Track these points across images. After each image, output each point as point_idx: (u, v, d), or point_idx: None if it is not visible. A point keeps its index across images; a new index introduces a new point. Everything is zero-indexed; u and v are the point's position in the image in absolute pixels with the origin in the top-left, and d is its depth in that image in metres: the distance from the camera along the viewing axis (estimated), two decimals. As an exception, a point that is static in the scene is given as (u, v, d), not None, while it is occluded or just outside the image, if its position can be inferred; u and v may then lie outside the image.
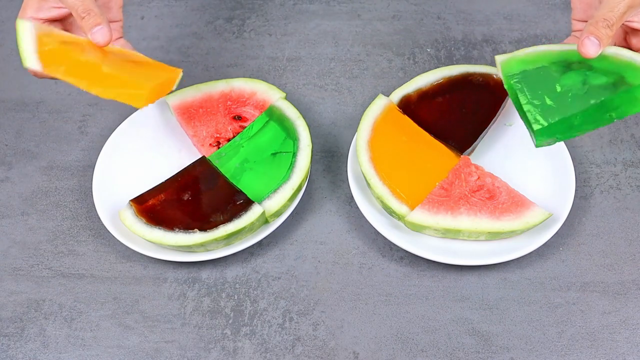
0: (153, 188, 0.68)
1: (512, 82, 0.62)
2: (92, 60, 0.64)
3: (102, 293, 0.67)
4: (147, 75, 0.64)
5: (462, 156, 0.69)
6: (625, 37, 0.64)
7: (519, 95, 0.62)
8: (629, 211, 0.70)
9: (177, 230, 0.64)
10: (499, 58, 0.65)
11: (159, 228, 0.65)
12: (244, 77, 0.83)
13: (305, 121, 0.72)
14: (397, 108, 0.72)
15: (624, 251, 0.68)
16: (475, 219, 0.64)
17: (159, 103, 0.76)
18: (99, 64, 0.63)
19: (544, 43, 0.85)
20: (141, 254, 0.69)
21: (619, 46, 0.62)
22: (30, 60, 0.62)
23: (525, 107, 0.61)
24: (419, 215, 0.64)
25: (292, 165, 0.69)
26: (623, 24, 0.61)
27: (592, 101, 0.58)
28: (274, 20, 0.90)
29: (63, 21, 0.67)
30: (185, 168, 0.70)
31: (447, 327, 0.64)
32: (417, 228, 0.65)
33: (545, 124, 0.59)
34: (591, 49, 0.59)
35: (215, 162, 0.71)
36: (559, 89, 0.60)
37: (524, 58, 0.64)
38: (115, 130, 0.74)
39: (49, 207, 0.74)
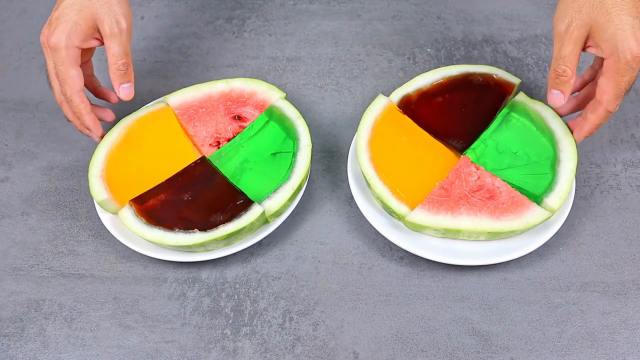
0: (153, 188, 0.68)
1: (513, 110, 0.71)
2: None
3: (102, 293, 0.67)
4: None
5: (462, 156, 0.69)
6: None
7: (503, 122, 0.71)
8: (629, 211, 0.70)
9: (177, 230, 0.64)
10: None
11: (159, 228, 0.65)
12: (244, 77, 0.83)
13: (305, 121, 0.72)
14: (397, 108, 0.72)
15: (624, 251, 0.68)
16: (475, 219, 0.64)
17: (159, 103, 0.76)
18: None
19: (544, 43, 0.85)
20: (141, 254, 0.69)
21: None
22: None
23: (484, 134, 0.70)
24: (419, 215, 0.64)
25: (292, 165, 0.69)
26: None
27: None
28: (274, 20, 0.90)
29: (88, 51, 0.70)
30: (185, 168, 0.70)
31: (447, 327, 0.64)
32: (417, 228, 0.65)
33: (472, 157, 0.69)
34: (557, 101, 0.63)
35: (215, 162, 0.71)
36: (509, 151, 0.69)
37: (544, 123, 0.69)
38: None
39: (49, 207, 0.74)
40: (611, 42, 0.58)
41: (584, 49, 0.61)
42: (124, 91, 0.68)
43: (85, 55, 0.69)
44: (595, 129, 0.64)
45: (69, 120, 0.71)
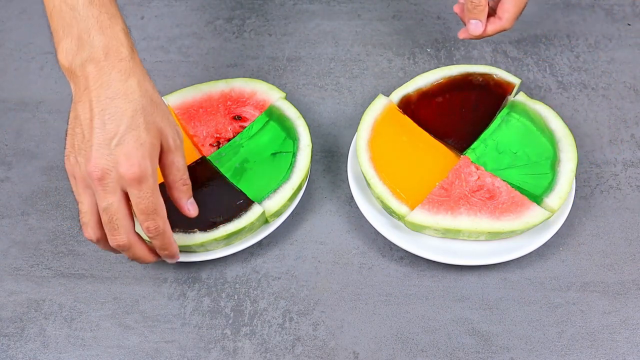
0: None
1: (514, 111, 0.72)
2: None
3: (102, 293, 0.67)
4: None
5: (462, 156, 0.69)
6: None
7: (503, 122, 0.71)
8: (629, 211, 0.70)
9: (177, 230, 0.64)
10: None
11: None
12: (244, 77, 0.83)
13: (305, 121, 0.72)
14: (397, 108, 0.72)
15: (624, 251, 0.68)
16: (475, 219, 0.64)
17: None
18: None
19: (543, 43, 0.85)
20: (141, 254, 0.69)
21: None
22: None
23: (484, 134, 0.70)
24: (419, 215, 0.64)
25: (292, 165, 0.69)
26: None
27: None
28: (274, 20, 0.90)
29: None
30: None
31: (447, 327, 0.64)
32: (417, 228, 0.65)
33: (472, 157, 0.69)
34: (477, 29, 0.69)
35: (215, 162, 0.71)
36: (510, 152, 0.69)
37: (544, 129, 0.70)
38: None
39: (49, 207, 0.74)
40: None
41: None
42: (193, 207, 0.60)
43: None
44: (481, 37, 0.71)
45: (140, 260, 0.60)
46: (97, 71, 0.54)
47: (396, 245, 0.67)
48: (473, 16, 0.68)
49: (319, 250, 0.69)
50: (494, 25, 0.69)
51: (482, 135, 0.70)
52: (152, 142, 0.54)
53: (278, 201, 0.66)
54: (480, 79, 0.73)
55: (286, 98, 0.74)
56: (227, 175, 0.69)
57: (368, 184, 0.67)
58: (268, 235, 0.68)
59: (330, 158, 0.76)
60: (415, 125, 0.71)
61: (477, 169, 0.68)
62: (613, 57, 0.83)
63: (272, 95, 0.74)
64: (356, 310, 0.65)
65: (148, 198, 0.54)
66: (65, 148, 0.57)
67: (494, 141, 0.70)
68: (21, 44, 0.90)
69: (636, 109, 0.78)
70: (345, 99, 0.81)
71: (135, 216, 0.57)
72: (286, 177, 0.68)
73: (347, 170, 0.71)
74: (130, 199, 0.55)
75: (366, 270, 0.68)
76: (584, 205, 0.71)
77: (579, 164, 0.73)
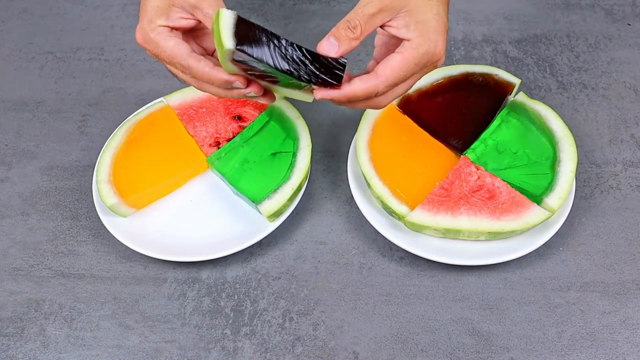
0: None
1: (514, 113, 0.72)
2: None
3: (102, 293, 0.67)
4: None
5: (462, 156, 0.69)
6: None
7: (503, 122, 0.71)
8: (629, 211, 0.70)
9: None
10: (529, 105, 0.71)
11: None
12: (244, 77, 0.83)
13: (305, 121, 0.72)
14: (397, 108, 0.72)
15: (624, 251, 0.68)
16: (475, 219, 0.64)
17: (159, 103, 0.76)
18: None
19: (543, 43, 0.85)
20: (141, 254, 0.69)
21: (387, 56, 0.56)
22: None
23: (484, 134, 0.71)
24: (419, 215, 0.64)
25: (292, 165, 0.69)
26: (386, 31, 0.56)
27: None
28: (274, 20, 0.90)
29: (191, 32, 0.62)
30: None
31: (447, 327, 0.64)
32: (417, 228, 0.65)
33: (472, 157, 0.69)
34: (328, 49, 0.54)
35: (215, 163, 0.71)
36: (509, 151, 0.70)
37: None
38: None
39: (49, 207, 0.74)
40: (424, 25, 0.54)
41: (382, 26, 0.55)
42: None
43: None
44: (346, 100, 0.55)
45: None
46: None
47: (396, 245, 0.67)
48: (338, 36, 0.54)
49: (319, 250, 0.69)
50: (365, 82, 0.54)
51: (482, 135, 0.70)
52: (145, 8, 0.59)
53: (278, 201, 0.66)
54: (480, 79, 0.73)
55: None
56: (227, 176, 0.69)
57: (368, 184, 0.67)
58: (268, 235, 0.68)
59: (330, 158, 0.76)
60: (415, 125, 0.71)
61: (477, 169, 0.68)
62: (613, 57, 0.83)
63: (272, 95, 0.74)
64: (356, 310, 0.65)
65: (156, 57, 0.61)
66: None
67: (494, 141, 0.70)
68: (21, 44, 0.90)
69: (636, 109, 0.78)
70: (345, 99, 0.81)
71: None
72: (286, 177, 0.68)
73: (347, 170, 0.71)
74: None
75: (366, 270, 0.68)
76: (584, 205, 0.71)
77: (579, 164, 0.73)
